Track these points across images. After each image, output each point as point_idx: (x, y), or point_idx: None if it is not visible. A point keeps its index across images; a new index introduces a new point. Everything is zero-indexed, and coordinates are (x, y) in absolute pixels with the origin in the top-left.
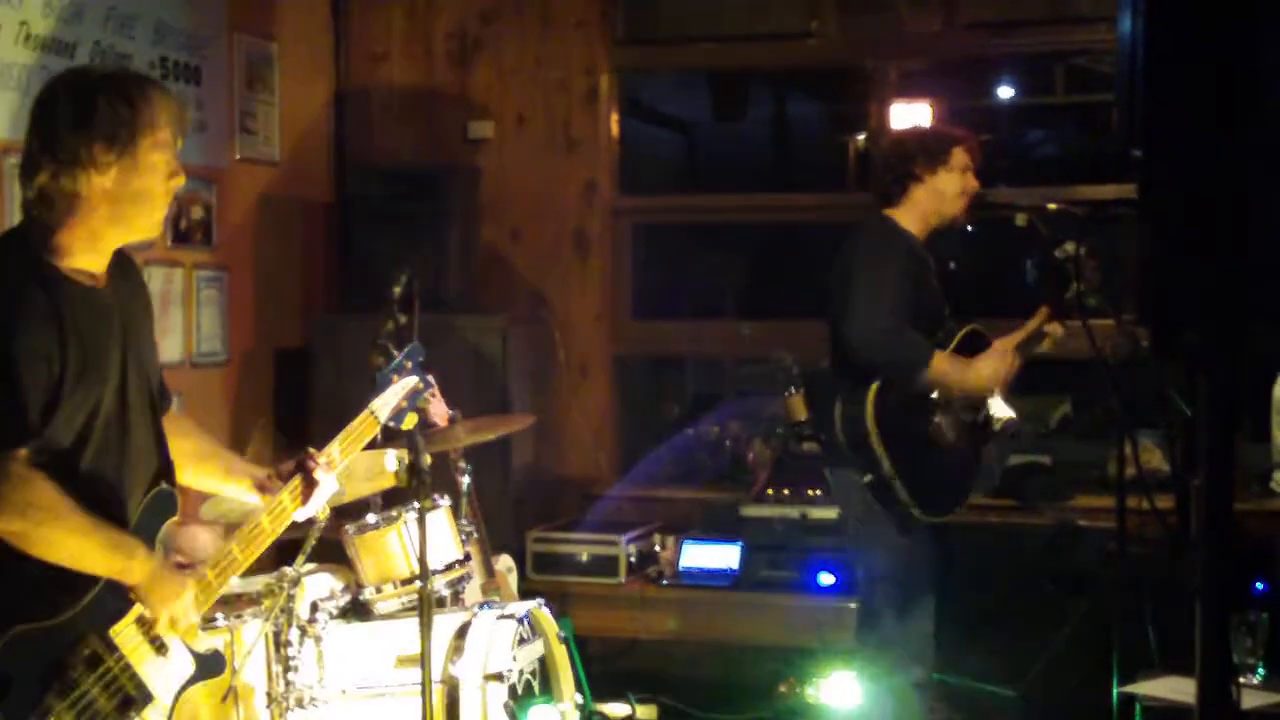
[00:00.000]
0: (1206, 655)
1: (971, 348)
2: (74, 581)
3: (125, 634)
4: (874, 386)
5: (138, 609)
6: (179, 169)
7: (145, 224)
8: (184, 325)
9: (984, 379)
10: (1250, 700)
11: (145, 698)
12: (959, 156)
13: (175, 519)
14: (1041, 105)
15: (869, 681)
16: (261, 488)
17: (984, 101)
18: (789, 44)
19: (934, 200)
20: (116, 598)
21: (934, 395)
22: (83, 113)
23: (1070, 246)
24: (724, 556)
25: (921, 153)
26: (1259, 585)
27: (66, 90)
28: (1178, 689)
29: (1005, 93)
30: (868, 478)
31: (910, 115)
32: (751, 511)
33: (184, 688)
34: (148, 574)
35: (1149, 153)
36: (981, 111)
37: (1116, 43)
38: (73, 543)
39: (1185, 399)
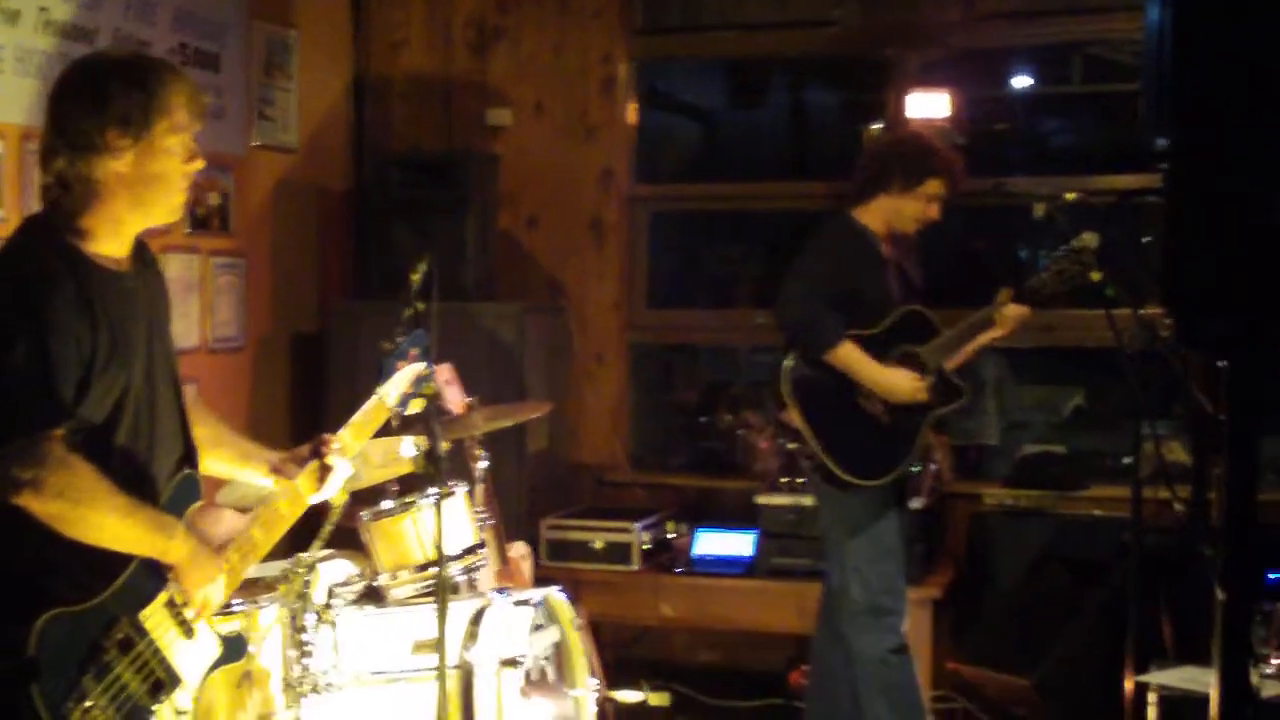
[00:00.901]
0: (1228, 644)
1: (910, 326)
2: (106, 565)
3: (155, 617)
4: (791, 355)
5: (166, 593)
6: (197, 152)
7: (165, 208)
8: (201, 311)
9: (885, 386)
10: (1265, 690)
11: (175, 680)
12: (932, 186)
13: (199, 503)
14: (1059, 95)
15: (852, 660)
16: (276, 472)
17: (1001, 91)
18: (808, 32)
19: (892, 213)
20: (147, 581)
21: None
22: (97, 98)
23: (1088, 236)
24: (738, 544)
25: (900, 170)
26: (1273, 575)
27: (80, 75)
28: (1193, 678)
29: (1022, 82)
30: (792, 444)
31: (928, 104)
32: (765, 499)
33: (210, 670)
34: (186, 554)
35: (1175, 142)
36: (998, 101)
37: (1144, 32)
38: (113, 523)
39: (1205, 389)
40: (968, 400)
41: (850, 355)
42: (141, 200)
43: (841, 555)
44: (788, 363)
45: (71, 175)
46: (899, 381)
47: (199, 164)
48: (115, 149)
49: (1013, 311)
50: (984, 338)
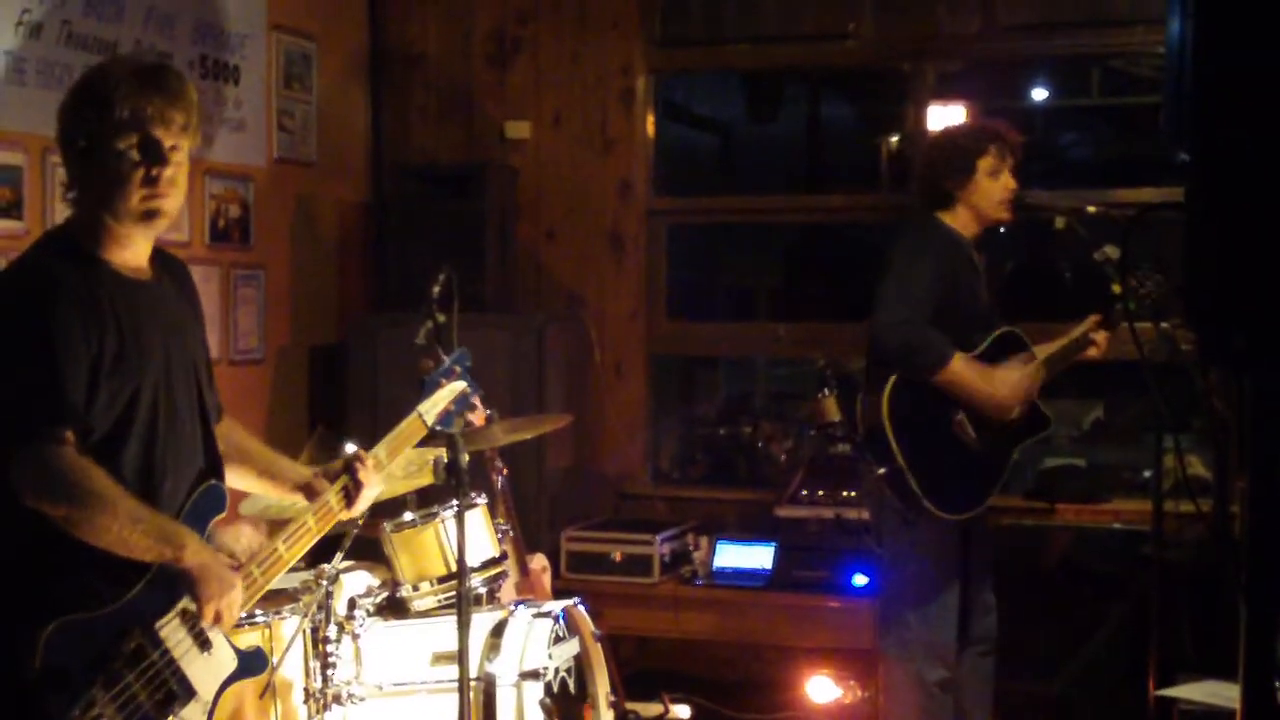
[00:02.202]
0: (1251, 659)
1: (1006, 349)
2: (121, 573)
3: (170, 628)
4: (893, 378)
5: (183, 604)
6: (161, 156)
7: (123, 208)
8: (221, 323)
9: (1001, 391)
10: None
11: (188, 694)
12: (988, 161)
13: (222, 515)
14: (1077, 107)
15: (888, 682)
16: (308, 488)
17: (1020, 103)
18: (826, 45)
19: (975, 210)
20: (163, 592)
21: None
22: (71, 102)
23: (1110, 249)
24: (758, 557)
25: (947, 169)
26: None
27: (81, 83)
28: (1215, 693)
29: (1041, 95)
30: (881, 470)
31: (946, 117)
32: (785, 512)
33: (226, 685)
34: (199, 565)
35: (1197, 156)
36: (1017, 113)
37: (1165, 44)
38: (121, 528)
39: (1228, 402)
40: (1063, 417)
41: (961, 370)
42: (101, 199)
43: (904, 581)
44: (891, 381)
45: (69, 179)
46: (1016, 381)
47: (166, 171)
48: (78, 147)
49: (1104, 337)
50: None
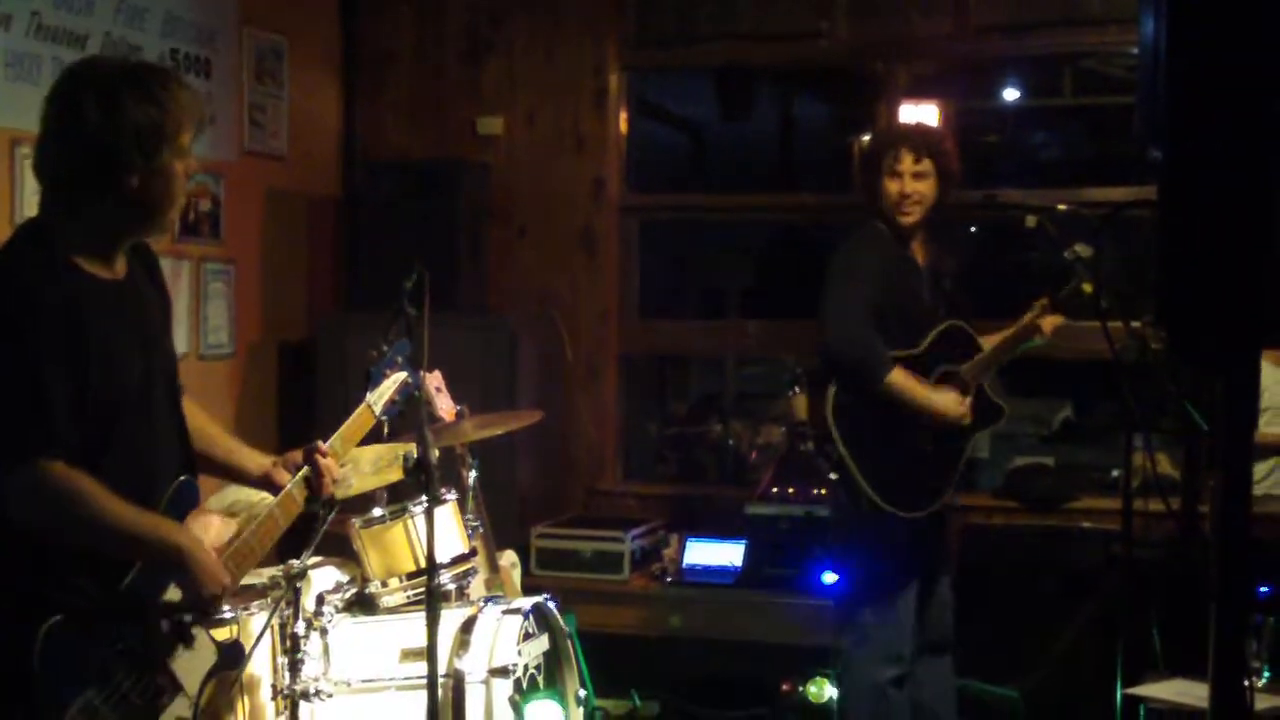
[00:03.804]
0: (1221, 658)
1: (950, 342)
2: (108, 572)
3: (157, 625)
4: (833, 386)
5: (169, 598)
6: (194, 166)
7: (159, 224)
8: (190, 318)
9: (938, 409)
10: (1257, 703)
11: (176, 688)
12: (889, 162)
13: (196, 509)
14: (1049, 108)
15: (845, 680)
16: (267, 477)
17: (992, 103)
18: (799, 45)
19: (887, 208)
20: (149, 588)
21: None
22: (108, 109)
23: (1080, 248)
24: (728, 554)
25: (864, 165)
26: (1263, 589)
27: (90, 83)
28: (1184, 692)
29: (1013, 95)
30: (833, 475)
31: (918, 117)
32: (756, 510)
33: (208, 678)
34: (190, 558)
35: (1169, 155)
36: (989, 113)
37: (1139, 44)
38: (113, 531)
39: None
40: (1008, 417)
41: (903, 386)
42: (140, 218)
43: (861, 579)
44: (832, 389)
45: (70, 184)
46: (948, 406)
47: (194, 171)
48: (123, 164)
49: (1052, 321)
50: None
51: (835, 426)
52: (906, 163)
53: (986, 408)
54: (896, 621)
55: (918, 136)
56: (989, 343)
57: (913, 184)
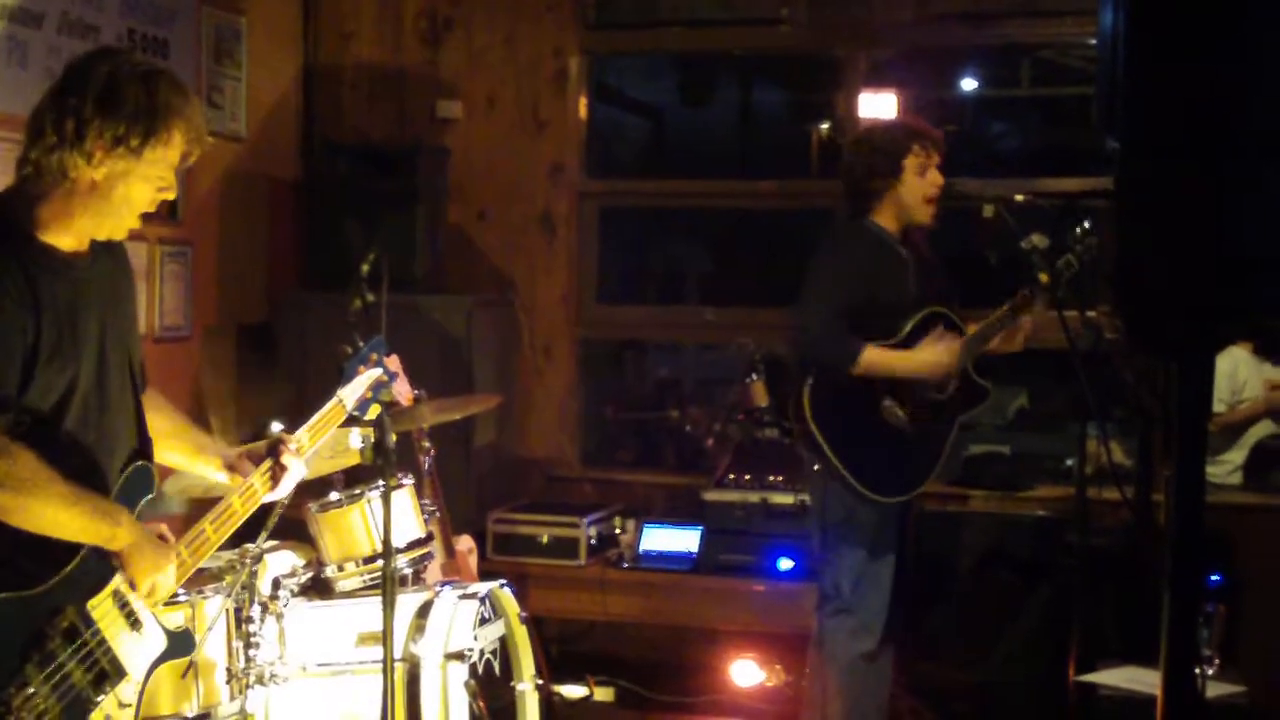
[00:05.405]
0: (1173, 645)
1: (933, 328)
2: (53, 554)
3: (102, 608)
4: (808, 380)
5: (114, 584)
6: (173, 186)
7: (115, 226)
8: (147, 299)
9: (921, 356)
10: (1208, 691)
11: (120, 673)
12: (913, 160)
13: (151, 495)
14: (1007, 98)
15: (823, 656)
16: (231, 468)
17: (950, 93)
18: (759, 30)
19: (900, 209)
20: (95, 571)
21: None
22: (105, 100)
23: (1037, 238)
24: (684, 540)
25: (872, 172)
26: (1214, 577)
27: (101, 71)
28: (1135, 678)
29: (971, 85)
30: (816, 466)
31: (877, 104)
32: (712, 496)
33: (155, 664)
34: (132, 541)
35: (1127, 145)
36: (947, 103)
37: (1097, 35)
38: (55, 512)
39: (1152, 391)
40: (992, 400)
41: (878, 358)
42: (99, 211)
43: (839, 558)
44: (809, 382)
45: (46, 163)
46: (929, 355)
47: (171, 195)
48: (97, 157)
49: (1033, 314)
50: (1000, 337)
51: (813, 419)
52: (937, 158)
53: (972, 389)
54: (875, 601)
55: (938, 136)
56: (973, 328)
57: (937, 177)
